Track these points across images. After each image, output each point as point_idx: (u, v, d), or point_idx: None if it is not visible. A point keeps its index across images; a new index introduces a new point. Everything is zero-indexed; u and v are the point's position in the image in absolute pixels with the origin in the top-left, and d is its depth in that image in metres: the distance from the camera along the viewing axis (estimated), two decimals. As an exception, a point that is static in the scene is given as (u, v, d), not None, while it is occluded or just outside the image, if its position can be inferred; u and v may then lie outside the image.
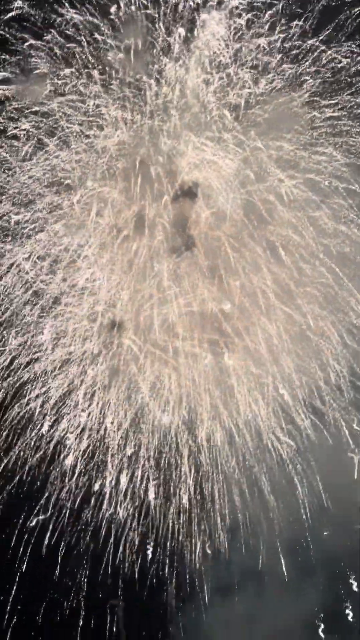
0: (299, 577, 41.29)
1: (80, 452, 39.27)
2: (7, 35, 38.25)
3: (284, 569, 40.57)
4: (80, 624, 40.05)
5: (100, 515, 39.41)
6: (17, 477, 39.26)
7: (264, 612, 41.96)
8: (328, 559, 41.53)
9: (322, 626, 41.64)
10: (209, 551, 40.18)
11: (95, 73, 38.18)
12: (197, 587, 40.79)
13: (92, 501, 39.31)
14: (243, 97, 38.49)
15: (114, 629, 40.99)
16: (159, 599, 40.98)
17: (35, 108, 38.27)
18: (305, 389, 39.52)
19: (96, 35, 37.98)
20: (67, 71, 38.10)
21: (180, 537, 39.85)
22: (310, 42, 37.98)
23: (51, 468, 39.25)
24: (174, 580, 40.63)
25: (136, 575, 40.10)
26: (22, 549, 39.53)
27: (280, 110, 38.71)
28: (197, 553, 40.07)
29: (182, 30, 37.83)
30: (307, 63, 38.30)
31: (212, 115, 38.73)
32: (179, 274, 39.33)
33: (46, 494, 39.38)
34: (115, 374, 39.19)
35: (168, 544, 39.88)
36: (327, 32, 38.05)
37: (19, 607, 39.78)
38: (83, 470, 39.41)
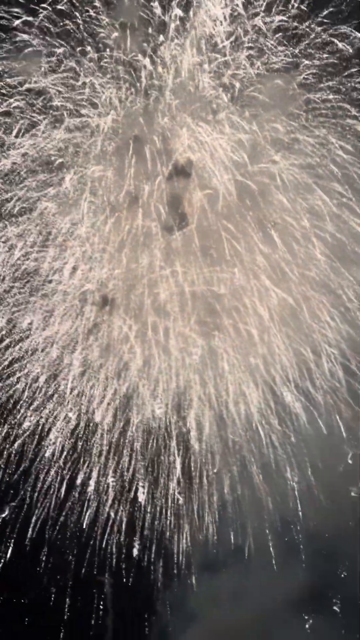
0: (285, 558, 41.55)
1: (69, 433, 39.52)
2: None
3: (271, 549, 40.93)
4: (67, 602, 40.44)
5: (88, 496, 39.77)
6: (5, 456, 39.51)
7: (250, 592, 42.26)
8: (315, 541, 41.88)
9: (307, 606, 42.08)
10: (196, 530, 40.47)
11: (90, 50, 38.21)
12: (184, 565, 41.10)
13: (80, 480, 39.66)
14: (238, 79, 38.53)
15: (101, 607, 41.32)
16: (147, 576, 41.22)
17: (28, 85, 38.28)
18: (296, 371, 39.73)
19: (90, 12, 38.03)
20: (61, 49, 38.14)
21: (168, 517, 40.15)
22: (306, 23, 38.04)
23: (39, 448, 39.50)
24: (161, 558, 40.92)
25: (123, 555, 40.43)
26: (8, 530, 39.91)
27: (276, 91, 38.68)
28: (185, 532, 40.39)
29: (177, 10, 37.80)
30: (303, 45, 38.27)
31: (207, 96, 38.76)
32: (171, 254, 39.36)
33: (33, 476, 39.74)
34: (105, 354, 39.31)
35: (156, 522, 40.20)
36: (323, 14, 38.14)
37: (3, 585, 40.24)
38: (71, 451, 39.72)
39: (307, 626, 41.83)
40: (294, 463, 40.18)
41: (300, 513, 40.62)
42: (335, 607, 41.83)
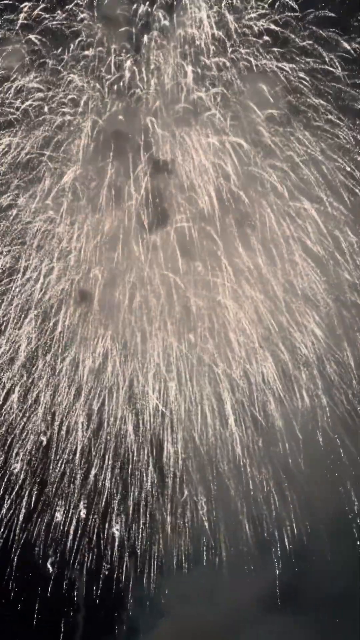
0: (258, 554, 41.68)
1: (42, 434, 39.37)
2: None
3: (243, 549, 41.03)
4: (38, 598, 40.50)
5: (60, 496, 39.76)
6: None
7: (222, 587, 42.42)
8: (287, 542, 41.97)
9: (278, 605, 42.24)
10: (169, 531, 40.46)
11: (73, 49, 37.79)
12: (155, 564, 41.16)
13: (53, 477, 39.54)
14: (222, 81, 38.20)
15: (73, 604, 41.44)
16: (118, 574, 41.27)
17: (8, 84, 37.89)
18: (273, 372, 39.66)
19: (74, 9, 37.56)
20: (44, 47, 37.80)
21: (140, 517, 40.15)
22: (289, 28, 37.76)
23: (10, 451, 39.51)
24: (131, 557, 40.99)
25: (95, 554, 40.46)
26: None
27: (260, 95, 38.40)
28: (157, 532, 40.43)
29: (162, 11, 37.47)
30: (288, 48, 38.01)
31: (190, 97, 38.48)
32: (150, 253, 39.12)
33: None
34: (80, 353, 39.11)
35: (129, 519, 40.16)
36: (310, 18, 37.85)
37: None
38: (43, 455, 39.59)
39: (277, 624, 42.04)
40: (269, 466, 40.27)
41: (273, 514, 40.69)
42: (306, 606, 42.06)
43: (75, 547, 39.71)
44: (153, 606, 42.17)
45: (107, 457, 39.02)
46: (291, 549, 41.31)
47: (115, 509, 39.46)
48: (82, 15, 37.29)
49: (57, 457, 38.85)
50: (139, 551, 40.55)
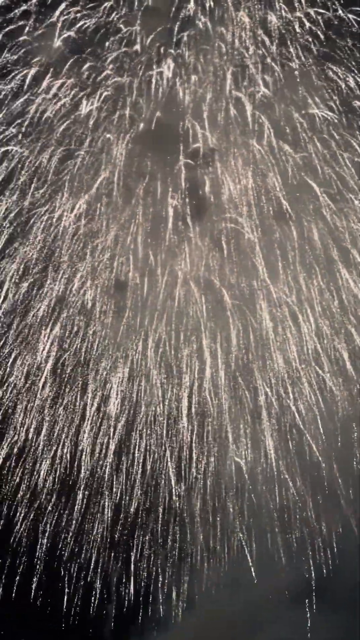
0: (287, 552, 41.94)
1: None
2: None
3: (278, 539, 41.25)
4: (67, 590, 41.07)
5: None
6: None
7: (249, 583, 42.77)
8: (318, 537, 42.07)
9: (308, 599, 42.54)
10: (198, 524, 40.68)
11: (110, 45, 37.10)
12: (185, 557, 41.49)
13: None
14: (263, 81, 37.49)
15: (104, 592, 41.98)
16: (149, 566, 41.55)
17: (46, 80, 37.39)
18: (311, 379, 39.48)
19: (113, 5, 36.83)
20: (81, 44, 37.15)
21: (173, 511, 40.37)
22: (336, 26, 36.83)
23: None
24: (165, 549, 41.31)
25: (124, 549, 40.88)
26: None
27: (302, 97, 37.73)
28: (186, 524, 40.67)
29: (202, 9, 36.67)
30: (332, 48, 37.19)
31: (231, 97, 37.80)
32: (187, 251, 38.74)
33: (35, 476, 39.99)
34: (112, 352, 39.08)
35: (159, 517, 40.50)
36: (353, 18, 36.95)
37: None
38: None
39: (306, 621, 42.41)
40: (297, 461, 40.25)
41: (304, 514, 40.74)
42: (336, 605, 42.35)
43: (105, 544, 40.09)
44: (181, 599, 42.61)
45: (136, 454, 39.08)
46: (321, 547, 41.56)
47: (147, 506, 39.67)
48: (121, 12, 36.59)
49: (88, 461, 39.02)
50: (168, 545, 40.86)
